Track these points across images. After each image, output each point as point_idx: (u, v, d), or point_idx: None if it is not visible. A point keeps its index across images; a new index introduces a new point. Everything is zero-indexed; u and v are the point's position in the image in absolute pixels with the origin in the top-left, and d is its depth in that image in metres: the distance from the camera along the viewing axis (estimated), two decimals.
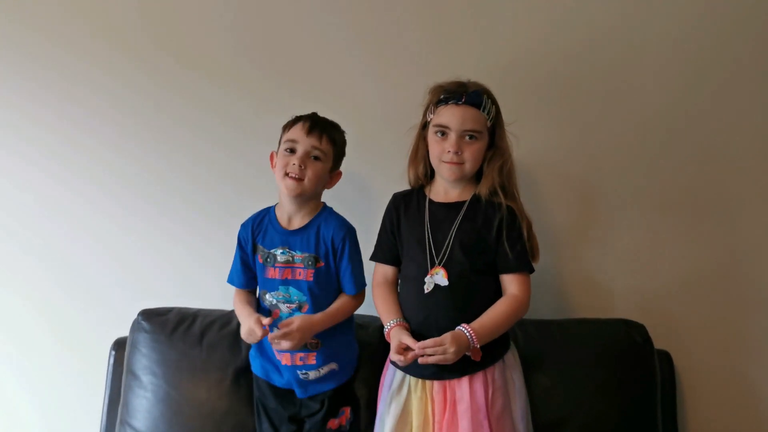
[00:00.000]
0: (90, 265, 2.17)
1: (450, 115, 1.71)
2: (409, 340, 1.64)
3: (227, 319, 1.96)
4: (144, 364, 1.92)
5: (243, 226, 1.88)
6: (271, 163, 1.83)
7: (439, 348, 1.61)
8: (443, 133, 1.72)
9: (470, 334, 1.63)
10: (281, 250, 1.80)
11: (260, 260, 1.83)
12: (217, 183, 2.15)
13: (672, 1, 2.07)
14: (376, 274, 1.85)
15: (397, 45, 2.10)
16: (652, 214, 2.11)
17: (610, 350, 1.91)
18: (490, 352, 1.70)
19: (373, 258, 1.85)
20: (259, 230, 1.85)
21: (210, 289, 2.10)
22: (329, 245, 1.79)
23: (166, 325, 1.95)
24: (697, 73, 2.09)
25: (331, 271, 1.81)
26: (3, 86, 2.15)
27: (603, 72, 2.09)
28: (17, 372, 2.18)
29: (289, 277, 1.80)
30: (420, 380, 1.71)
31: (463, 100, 1.71)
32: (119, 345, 2.04)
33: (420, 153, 1.81)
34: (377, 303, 1.81)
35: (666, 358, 2.01)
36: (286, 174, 1.75)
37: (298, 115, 1.83)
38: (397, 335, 1.68)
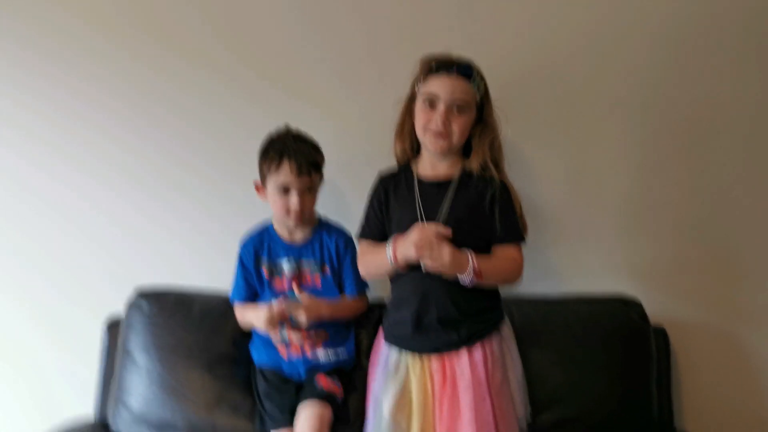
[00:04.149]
0: (78, 244, 2.17)
1: (440, 85, 1.69)
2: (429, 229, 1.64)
3: (225, 303, 1.95)
4: (139, 344, 1.92)
5: (243, 245, 1.93)
6: (258, 193, 1.91)
7: (435, 250, 1.61)
8: (432, 103, 1.70)
9: (470, 255, 1.64)
10: (287, 262, 1.90)
11: (266, 275, 1.90)
12: (225, 160, 2.15)
13: None
14: (361, 245, 1.84)
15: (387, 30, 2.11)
16: (646, 189, 2.10)
17: (606, 327, 1.91)
18: (489, 325, 1.71)
19: (362, 235, 1.83)
20: (261, 247, 1.92)
21: (210, 267, 2.12)
22: (333, 251, 1.90)
23: (164, 307, 1.95)
24: (693, 47, 2.08)
25: (336, 275, 1.91)
26: None
27: (591, 54, 2.08)
28: (9, 352, 2.19)
29: (299, 285, 1.88)
30: (418, 358, 1.70)
31: (454, 70, 1.69)
32: (112, 323, 2.04)
33: (406, 127, 1.79)
34: (368, 256, 1.79)
35: (662, 334, 2.00)
36: (288, 212, 1.85)
37: (273, 144, 1.85)
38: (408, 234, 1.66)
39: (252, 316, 1.86)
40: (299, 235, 1.92)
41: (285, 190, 1.84)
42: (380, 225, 1.80)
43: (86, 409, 2.05)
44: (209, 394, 1.87)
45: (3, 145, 2.17)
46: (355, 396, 1.87)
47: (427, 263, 1.63)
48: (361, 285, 1.91)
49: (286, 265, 1.90)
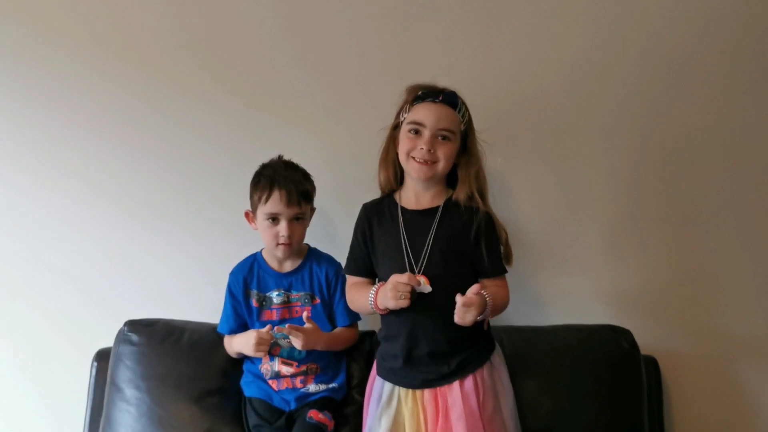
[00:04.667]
0: (72, 273, 2.15)
1: (426, 112, 1.70)
2: (404, 276, 1.63)
3: (215, 334, 1.94)
4: (128, 376, 1.90)
5: (233, 274, 1.93)
6: (248, 219, 1.92)
7: (466, 309, 1.59)
8: (417, 131, 1.71)
9: (487, 296, 1.63)
10: (276, 293, 1.90)
11: (255, 303, 1.90)
12: (213, 190, 2.14)
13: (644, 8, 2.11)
14: (349, 281, 1.84)
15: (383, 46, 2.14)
16: (634, 219, 2.12)
17: (597, 356, 1.91)
18: (478, 355, 1.71)
19: (347, 270, 1.84)
20: (250, 277, 1.92)
21: (198, 299, 2.11)
22: (323, 281, 1.91)
23: (152, 337, 1.93)
24: (668, 72, 2.12)
25: (326, 306, 1.91)
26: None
27: (574, 84, 2.11)
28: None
29: (287, 317, 1.89)
30: (410, 391, 1.70)
31: (441, 98, 1.71)
32: (101, 356, 2.01)
33: (390, 155, 1.80)
34: (353, 296, 1.79)
35: (652, 363, 2.00)
36: (278, 243, 1.85)
37: (264, 172, 1.87)
38: (391, 279, 1.65)
39: (241, 341, 1.85)
40: (289, 265, 1.93)
41: (274, 219, 1.85)
42: (366, 258, 1.80)
43: None
44: (198, 426, 1.84)
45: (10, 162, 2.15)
46: (346, 429, 1.85)
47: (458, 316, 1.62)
48: (353, 315, 1.91)
49: (275, 298, 1.90)
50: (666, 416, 2.02)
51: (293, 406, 1.84)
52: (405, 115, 1.75)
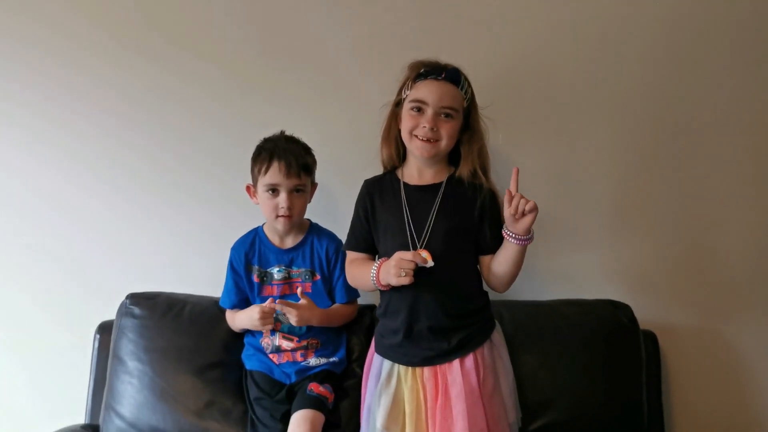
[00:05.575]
0: (73, 247, 2.16)
1: (428, 91, 1.68)
2: (408, 254, 1.62)
3: (217, 307, 1.95)
4: (130, 349, 1.92)
5: (234, 249, 1.93)
6: (249, 194, 1.92)
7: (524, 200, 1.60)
8: (419, 109, 1.69)
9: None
10: (277, 269, 1.90)
11: (256, 279, 1.90)
12: (210, 167, 2.14)
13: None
14: (349, 256, 1.83)
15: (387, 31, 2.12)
16: (633, 194, 2.11)
17: (596, 331, 1.92)
18: (479, 333, 1.70)
19: (347, 246, 1.82)
20: (252, 252, 1.92)
21: (198, 274, 2.11)
22: (323, 258, 1.91)
23: (154, 310, 1.95)
24: (678, 47, 2.10)
25: (326, 283, 1.91)
26: None
27: (576, 58, 2.09)
28: (2, 355, 2.17)
29: (288, 293, 1.90)
30: (409, 368, 1.69)
31: (443, 75, 1.69)
32: (104, 328, 2.03)
33: (392, 132, 1.78)
34: (354, 272, 1.78)
35: (651, 338, 2.01)
36: (277, 215, 1.85)
37: (265, 145, 1.86)
38: (395, 256, 1.63)
39: (244, 317, 1.86)
40: (290, 241, 1.92)
41: (274, 191, 1.84)
42: (366, 235, 1.79)
43: (77, 417, 2.03)
44: (200, 398, 1.87)
45: (11, 146, 2.16)
46: (346, 401, 1.87)
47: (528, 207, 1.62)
48: (352, 292, 1.91)
49: (276, 274, 1.90)
50: (664, 391, 2.03)
51: (294, 379, 1.86)
52: (407, 92, 1.72)
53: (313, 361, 1.87)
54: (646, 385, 1.93)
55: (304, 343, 1.87)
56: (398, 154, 1.79)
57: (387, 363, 1.73)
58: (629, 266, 2.11)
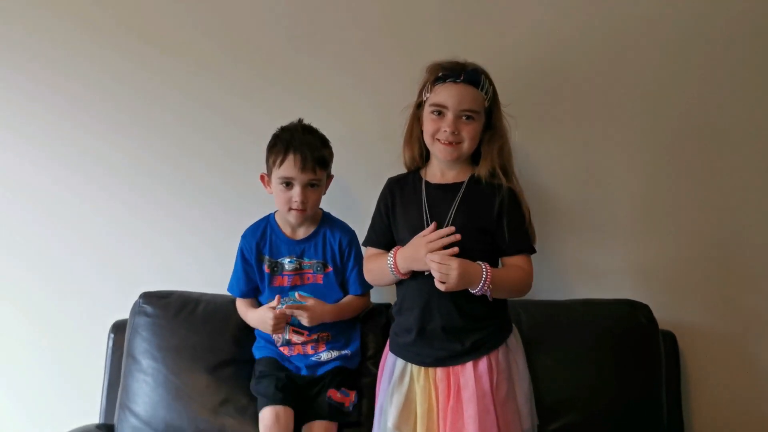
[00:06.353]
0: (87, 247, 2.16)
1: (447, 94, 1.66)
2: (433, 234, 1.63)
3: (230, 305, 1.94)
4: (144, 347, 1.91)
5: (244, 237, 1.90)
6: (263, 183, 1.88)
7: (444, 266, 1.57)
8: (440, 113, 1.68)
9: (485, 268, 1.61)
10: (288, 259, 1.87)
11: (267, 269, 1.86)
12: (227, 164, 2.13)
13: None
14: (367, 252, 1.83)
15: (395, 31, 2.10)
16: (655, 193, 2.08)
17: (615, 331, 1.90)
18: (494, 336, 1.68)
19: (366, 242, 1.82)
20: (263, 241, 1.88)
21: (211, 272, 2.09)
22: (336, 249, 1.87)
23: (167, 309, 1.94)
24: (706, 36, 2.06)
25: (339, 275, 1.88)
26: None
27: (603, 53, 2.06)
28: (14, 357, 2.18)
29: (298, 283, 1.87)
30: (422, 368, 1.68)
31: (462, 78, 1.66)
32: (118, 328, 2.03)
33: (414, 133, 1.77)
34: (371, 266, 1.78)
35: (670, 338, 1.99)
36: (290, 208, 1.81)
37: (281, 135, 1.82)
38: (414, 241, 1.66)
39: (255, 320, 1.85)
40: (302, 232, 1.89)
41: (288, 184, 1.81)
42: (386, 230, 1.78)
43: (92, 416, 2.04)
44: (215, 396, 1.86)
45: (5, 149, 2.15)
46: (363, 400, 1.87)
47: (438, 284, 1.60)
48: (365, 284, 1.87)
49: (287, 264, 1.87)
50: (683, 391, 2.01)
51: (303, 371, 1.84)
52: (427, 95, 1.71)
53: (324, 355, 1.85)
54: (666, 385, 1.91)
55: (315, 336, 1.85)
56: (421, 155, 1.78)
57: (400, 362, 1.72)
58: (649, 264, 2.08)
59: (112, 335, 2.03)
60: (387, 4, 2.08)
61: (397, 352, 1.74)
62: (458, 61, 1.70)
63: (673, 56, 2.05)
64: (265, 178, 1.88)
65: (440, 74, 1.68)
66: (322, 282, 1.87)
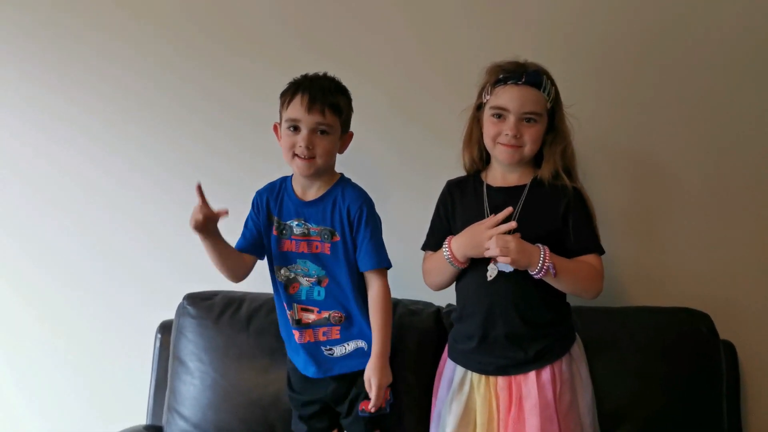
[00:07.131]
0: (135, 246, 2.16)
1: (509, 97, 1.62)
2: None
3: (274, 304, 1.87)
4: (190, 350, 1.90)
5: (258, 193, 1.76)
6: (276, 134, 1.72)
7: (501, 240, 1.54)
8: (500, 116, 1.64)
9: (542, 247, 1.57)
10: (297, 222, 1.70)
11: (275, 232, 1.72)
12: (263, 166, 2.05)
13: None
14: (425, 257, 1.78)
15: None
16: (717, 198, 2.03)
17: (673, 340, 1.84)
18: (558, 345, 1.65)
19: (425, 247, 1.78)
20: (274, 200, 1.73)
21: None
22: (345, 218, 1.68)
23: (212, 310, 1.92)
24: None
25: (348, 247, 1.69)
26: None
27: (662, 53, 2.01)
28: (63, 357, 2.18)
29: (306, 251, 1.70)
30: (483, 377, 1.65)
31: (523, 80, 1.62)
32: (165, 328, 2.02)
33: (474, 136, 1.73)
34: (429, 266, 1.74)
35: (730, 349, 1.93)
36: (295, 155, 1.64)
37: (296, 79, 1.67)
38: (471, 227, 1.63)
39: None
40: (312, 193, 1.71)
41: (295, 128, 1.63)
42: (446, 233, 1.73)
43: (139, 418, 2.03)
44: (264, 396, 1.84)
45: (66, 147, 2.17)
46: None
47: (501, 259, 1.56)
48: (381, 259, 1.66)
49: (296, 228, 1.71)
50: (743, 404, 1.96)
51: (313, 373, 1.71)
52: (487, 97, 1.67)
53: (337, 350, 1.71)
54: (726, 398, 1.85)
55: (326, 314, 1.69)
56: (481, 157, 1.75)
57: (460, 369, 1.69)
58: (710, 272, 2.03)
59: (159, 335, 2.02)
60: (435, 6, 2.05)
61: (457, 359, 1.70)
62: (519, 62, 1.66)
63: (741, 55, 2.00)
64: (278, 129, 1.71)
65: (501, 76, 1.64)
66: (330, 252, 1.68)
